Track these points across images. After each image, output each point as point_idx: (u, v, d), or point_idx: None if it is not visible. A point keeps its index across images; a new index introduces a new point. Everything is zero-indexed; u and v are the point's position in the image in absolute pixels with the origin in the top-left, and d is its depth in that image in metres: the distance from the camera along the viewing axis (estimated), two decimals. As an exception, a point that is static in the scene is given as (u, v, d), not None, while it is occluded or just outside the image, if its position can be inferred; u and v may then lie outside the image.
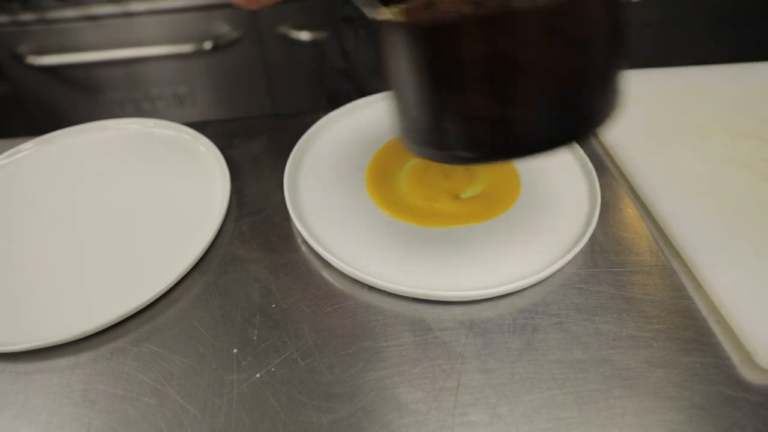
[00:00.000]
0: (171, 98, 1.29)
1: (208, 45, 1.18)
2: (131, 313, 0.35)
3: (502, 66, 0.25)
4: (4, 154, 0.49)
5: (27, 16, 1.13)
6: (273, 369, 0.32)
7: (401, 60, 0.28)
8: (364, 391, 0.31)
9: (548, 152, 0.28)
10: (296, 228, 0.40)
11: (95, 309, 0.35)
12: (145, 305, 0.36)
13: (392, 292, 0.36)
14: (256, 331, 0.34)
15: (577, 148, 0.46)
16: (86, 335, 0.34)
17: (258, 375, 0.32)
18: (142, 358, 0.34)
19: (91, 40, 1.17)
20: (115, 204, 0.44)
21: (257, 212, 0.43)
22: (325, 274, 0.38)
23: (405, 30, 0.27)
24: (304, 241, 0.40)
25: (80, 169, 0.48)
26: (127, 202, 0.44)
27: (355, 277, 0.37)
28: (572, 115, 0.28)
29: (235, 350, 0.34)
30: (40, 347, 0.34)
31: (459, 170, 0.44)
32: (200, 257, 0.39)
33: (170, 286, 0.37)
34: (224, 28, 1.19)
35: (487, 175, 0.44)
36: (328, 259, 0.37)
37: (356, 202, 0.42)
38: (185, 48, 1.16)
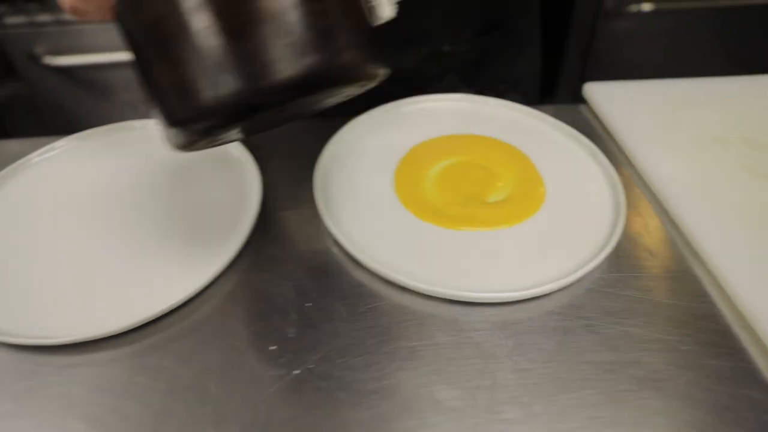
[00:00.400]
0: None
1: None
2: (168, 311, 0.36)
3: (159, 23, 0.26)
4: (38, 151, 0.50)
5: (44, 17, 1.14)
6: (311, 366, 0.33)
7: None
8: (401, 388, 0.32)
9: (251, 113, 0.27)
10: (328, 229, 0.41)
11: (133, 305, 0.36)
12: (182, 303, 0.36)
13: (425, 293, 0.37)
14: (292, 329, 0.35)
15: (600, 155, 0.47)
16: (126, 330, 0.35)
17: (296, 372, 0.33)
18: (181, 354, 0.34)
19: (107, 41, 1.18)
20: (148, 202, 0.45)
21: (288, 212, 0.44)
22: (357, 274, 0.39)
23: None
24: (336, 242, 0.41)
25: (114, 168, 0.48)
26: (160, 200, 0.45)
27: (388, 278, 0.37)
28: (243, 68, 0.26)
29: (272, 347, 0.34)
30: (83, 341, 0.34)
31: (484, 175, 0.45)
32: (235, 256, 0.39)
33: (206, 285, 0.37)
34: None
35: (512, 180, 0.45)
36: (362, 260, 0.38)
37: (385, 205, 0.43)
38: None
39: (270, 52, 0.26)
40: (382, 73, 0.30)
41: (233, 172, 0.47)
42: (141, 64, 0.28)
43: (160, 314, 0.36)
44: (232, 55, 0.25)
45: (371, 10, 0.30)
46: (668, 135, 0.50)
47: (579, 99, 0.59)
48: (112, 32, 1.27)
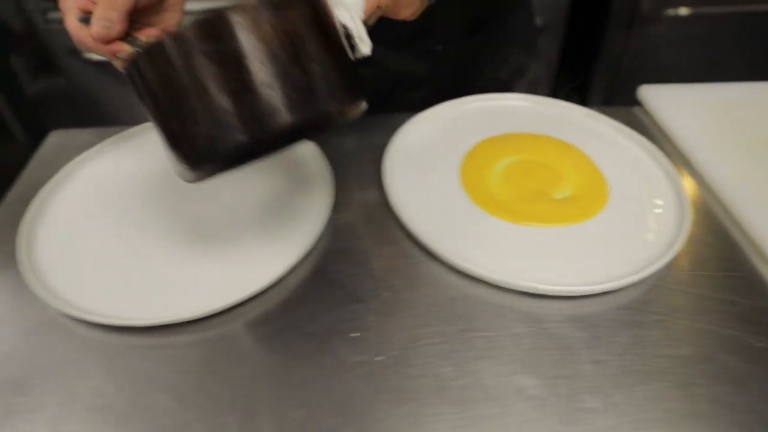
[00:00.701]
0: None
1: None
2: (248, 298, 0.37)
3: (170, 87, 0.29)
4: (110, 139, 0.52)
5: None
6: (394, 353, 0.34)
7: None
8: (482, 376, 0.33)
9: (253, 159, 0.32)
10: (400, 221, 0.42)
11: (215, 292, 0.37)
12: (262, 290, 0.38)
13: (501, 285, 0.37)
14: (373, 317, 0.36)
15: (660, 156, 0.48)
16: (209, 315, 0.36)
17: (378, 358, 0.34)
18: (264, 339, 0.35)
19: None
20: (224, 194, 0.46)
21: (358, 204, 0.45)
22: (430, 266, 0.40)
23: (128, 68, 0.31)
24: (408, 234, 0.42)
25: None
26: (236, 193, 0.46)
27: (464, 270, 0.38)
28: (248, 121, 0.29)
29: (354, 334, 0.35)
30: (169, 323, 0.36)
31: (548, 173, 0.46)
32: (310, 248, 0.40)
33: (283, 275, 0.38)
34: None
35: (575, 178, 0.45)
36: (437, 252, 0.39)
37: (454, 199, 0.44)
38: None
39: (264, 111, 0.29)
40: (362, 108, 0.33)
41: (304, 167, 0.48)
42: (154, 114, 0.31)
43: (241, 301, 0.37)
44: (232, 113, 0.29)
45: (353, 48, 0.34)
46: (726, 137, 0.51)
47: (611, 102, 0.59)
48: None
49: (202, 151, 0.30)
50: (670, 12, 1.08)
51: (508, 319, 0.36)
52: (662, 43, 1.13)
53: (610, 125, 0.52)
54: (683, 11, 1.09)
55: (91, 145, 0.52)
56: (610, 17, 1.10)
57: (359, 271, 0.40)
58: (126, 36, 0.38)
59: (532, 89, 0.63)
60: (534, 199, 0.43)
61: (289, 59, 0.29)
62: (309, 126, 0.31)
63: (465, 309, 0.37)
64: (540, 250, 0.40)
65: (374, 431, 0.31)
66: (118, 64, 0.39)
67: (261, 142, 0.30)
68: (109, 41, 0.37)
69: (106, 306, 0.37)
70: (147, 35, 0.39)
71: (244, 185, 0.47)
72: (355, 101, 0.32)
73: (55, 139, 0.55)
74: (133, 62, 0.30)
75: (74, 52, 1.18)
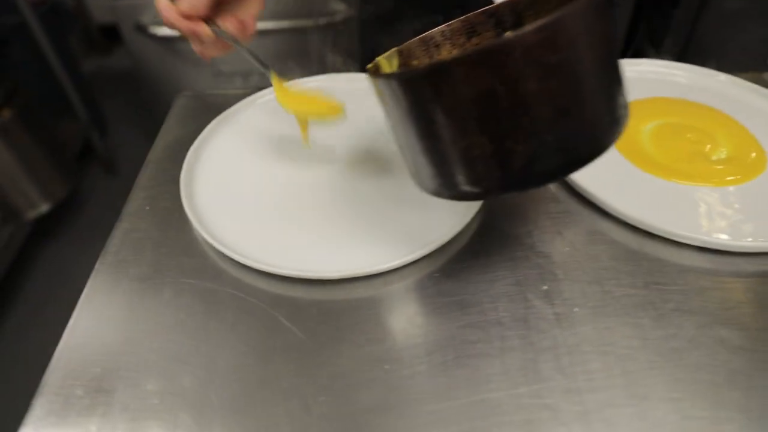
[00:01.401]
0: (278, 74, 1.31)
1: (322, 21, 1.20)
2: (426, 253, 0.38)
3: (495, 103, 0.26)
4: (262, 92, 0.54)
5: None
6: (591, 304, 0.35)
7: (400, 110, 0.29)
8: (682, 327, 0.33)
9: (555, 181, 0.30)
10: (576, 185, 0.42)
11: (396, 247, 0.38)
12: (440, 246, 0.38)
13: (682, 241, 0.38)
14: (560, 271, 0.37)
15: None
16: (396, 267, 0.37)
17: (576, 309, 0.35)
18: (466, 279, 0.36)
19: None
20: (383, 153, 0.46)
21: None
22: (594, 221, 0.40)
23: (398, 80, 0.28)
24: (569, 188, 0.42)
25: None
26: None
27: (646, 228, 0.39)
28: (570, 143, 0.28)
29: (544, 287, 0.36)
30: (366, 274, 0.37)
31: (699, 136, 0.46)
32: (479, 208, 0.41)
33: (459, 231, 0.39)
34: (339, 6, 1.22)
35: (728, 141, 0.45)
36: (614, 209, 0.39)
37: (612, 159, 0.44)
38: (295, 23, 1.19)
39: (591, 130, 0.28)
40: None
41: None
42: (442, 127, 0.28)
43: (420, 256, 0.37)
44: (557, 134, 0.27)
45: None
46: None
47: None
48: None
49: (515, 170, 0.28)
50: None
51: (693, 273, 0.37)
52: (734, 17, 1.11)
53: (746, 88, 0.51)
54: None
55: (218, 107, 0.53)
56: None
57: (527, 225, 0.40)
58: (208, 21, 0.40)
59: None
60: (692, 160, 0.43)
61: (610, 66, 0.28)
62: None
63: (648, 264, 0.37)
64: (708, 208, 0.40)
65: (584, 381, 0.31)
66: (197, 45, 0.42)
67: (574, 165, 0.29)
68: (193, 19, 0.40)
69: (278, 259, 0.37)
70: (229, 23, 0.41)
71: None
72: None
73: (183, 101, 0.56)
74: (436, 68, 0.27)
75: (140, 27, 1.18)
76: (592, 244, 0.39)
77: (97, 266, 0.39)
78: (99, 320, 0.36)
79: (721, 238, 0.37)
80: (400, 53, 0.36)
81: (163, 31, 1.19)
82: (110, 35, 1.92)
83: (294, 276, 0.36)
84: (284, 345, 0.33)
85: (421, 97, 0.27)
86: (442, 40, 0.38)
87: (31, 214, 1.23)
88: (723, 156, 0.44)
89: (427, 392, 0.31)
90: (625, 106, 0.31)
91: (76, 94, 1.35)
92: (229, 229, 0.40)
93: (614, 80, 0.29)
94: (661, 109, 0.49)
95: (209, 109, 0.53)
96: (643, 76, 0.54)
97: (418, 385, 0.31)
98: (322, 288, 0.37)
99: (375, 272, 0.36)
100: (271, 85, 0.44)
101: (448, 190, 0.31)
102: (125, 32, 1.21)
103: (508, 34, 0.24)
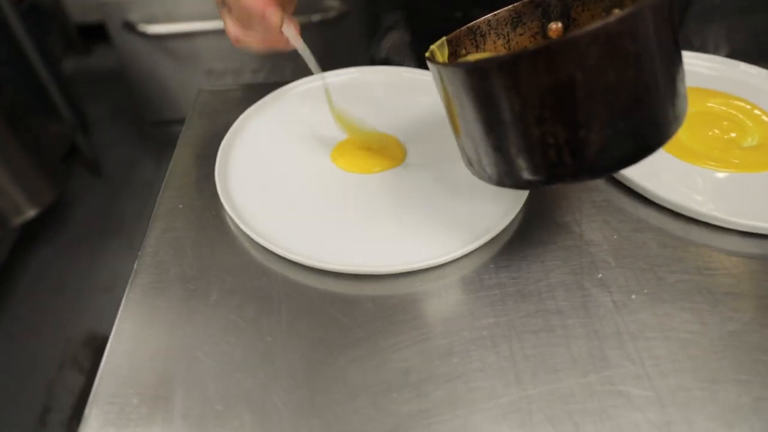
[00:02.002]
0: (270, 72, 1.30)
1: (316, 18, 1.19)
2: (483, 244, 0.37)
3: (574, 92, 0.26)
4: (301, 80, 0.53)
5: (141, -16, 1.14)
6: (647, 291, 0.35)
7: (470, 98, 0.29)
8: (738, 310, 0.34)
9: (622, 169, 0.30)
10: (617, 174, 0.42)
11: (450, 238, 0.37)
12: (494, 236, 0.38)
13: (725, 226, 0.38)
14: (611, 259, 0.37)
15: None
16: (454, 259, 0.37)
17: (633, 296, 0.35)
18: (521, 269, 0.36)
19: (198, 9, 1.18)
20: (434, 145, 0.46)
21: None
22: (636, 209, 0.40)
23: (476, 69, 0.28)
24: (611, 178, 0.42)
25: (392, 107, 0.50)
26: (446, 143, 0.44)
27: (698, 217, 0.39)
28: (640, 131, 0.28)
29: (599, 275, 0.36)
30: (418, 269, 0.36)
31: (729, 124, 0.46)
32: (527, 197, 0.41)
33: (511, 221, 0.39)
34: (333, 2, 1.20)
35: (758, 129, 0.46)
36: (658, 195, 0.40)
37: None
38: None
39: (662, 118, 0.28)
40: None
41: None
42: (511, 117, 0.28)
43: (476, 247, 0.37)
44: (636, 119, 0.27)
45: None
46: None
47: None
48: (202, 2, 1.28)
49: (587, 159, 0.28)
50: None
51: (740, 258, 0.37)
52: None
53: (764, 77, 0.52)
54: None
55: (240, 101, 0.52)
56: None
57: (573, 213, 0.40)
58: None
59: None
60: (725, 147, 0.44)
61: (676, 55, 0.28)
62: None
63: (696, 250, 0.38)
64: (748, 194, 0.40)
65: (651, 366, 0.31)
66: (252, 33, 0.39)
67: (643, 153, 0.29)
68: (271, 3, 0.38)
69: (324, 254, 0.37)
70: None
71: (440, 135, 0.46)
72: None
73: (204, 97, 0.55)
74: (519, 58, 0.26)
75: (128, 25, 1.15)
76: (638, 232, 0.39)
77: (135, 267, 0.37)
78: (145, 324, 0.34)
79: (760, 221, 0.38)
80: (449, 42, 0.36)
81: (153, 29, 1.16)
82: (88, 35, 1.87)
83: (350, 272, 0.36)
84: (344, 342, 0.33)
85: (499, 85, 0.27)
86: (487, 29, 0.37)
87: (18, 220, 1.19)
88: (755, 143, 0.45)
89: (497, 384, 0.30)
90: (686, 95, 0.31)
91: (60, 95, 1.30)
92: (271, 226, 0.39)
93: (679, 69, 0.30)
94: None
95: (231, 103, 0.52)
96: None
97: (488, 378, 0.31)
98: (375, 283, 0.36)
99: (431, 266, 0.36)
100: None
101: (510, 178, 0.31)
102: (112, 31, 1.17)
103: (596, 23, 0.24)
